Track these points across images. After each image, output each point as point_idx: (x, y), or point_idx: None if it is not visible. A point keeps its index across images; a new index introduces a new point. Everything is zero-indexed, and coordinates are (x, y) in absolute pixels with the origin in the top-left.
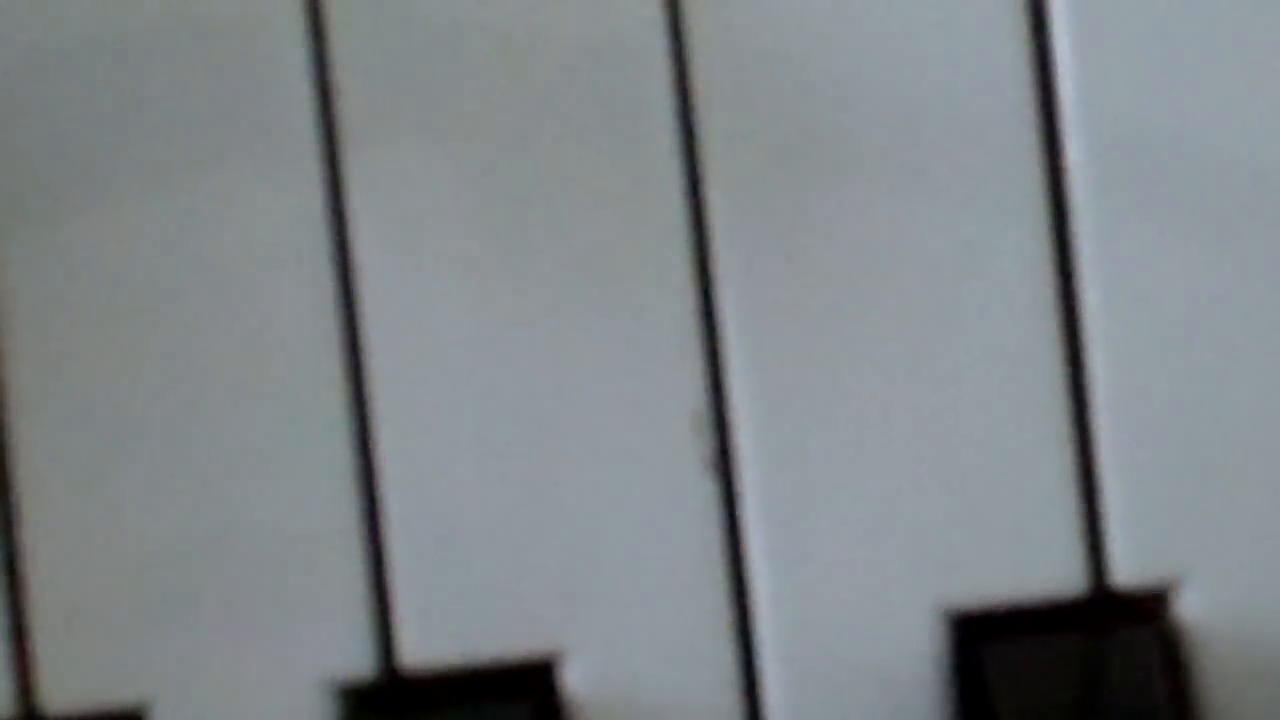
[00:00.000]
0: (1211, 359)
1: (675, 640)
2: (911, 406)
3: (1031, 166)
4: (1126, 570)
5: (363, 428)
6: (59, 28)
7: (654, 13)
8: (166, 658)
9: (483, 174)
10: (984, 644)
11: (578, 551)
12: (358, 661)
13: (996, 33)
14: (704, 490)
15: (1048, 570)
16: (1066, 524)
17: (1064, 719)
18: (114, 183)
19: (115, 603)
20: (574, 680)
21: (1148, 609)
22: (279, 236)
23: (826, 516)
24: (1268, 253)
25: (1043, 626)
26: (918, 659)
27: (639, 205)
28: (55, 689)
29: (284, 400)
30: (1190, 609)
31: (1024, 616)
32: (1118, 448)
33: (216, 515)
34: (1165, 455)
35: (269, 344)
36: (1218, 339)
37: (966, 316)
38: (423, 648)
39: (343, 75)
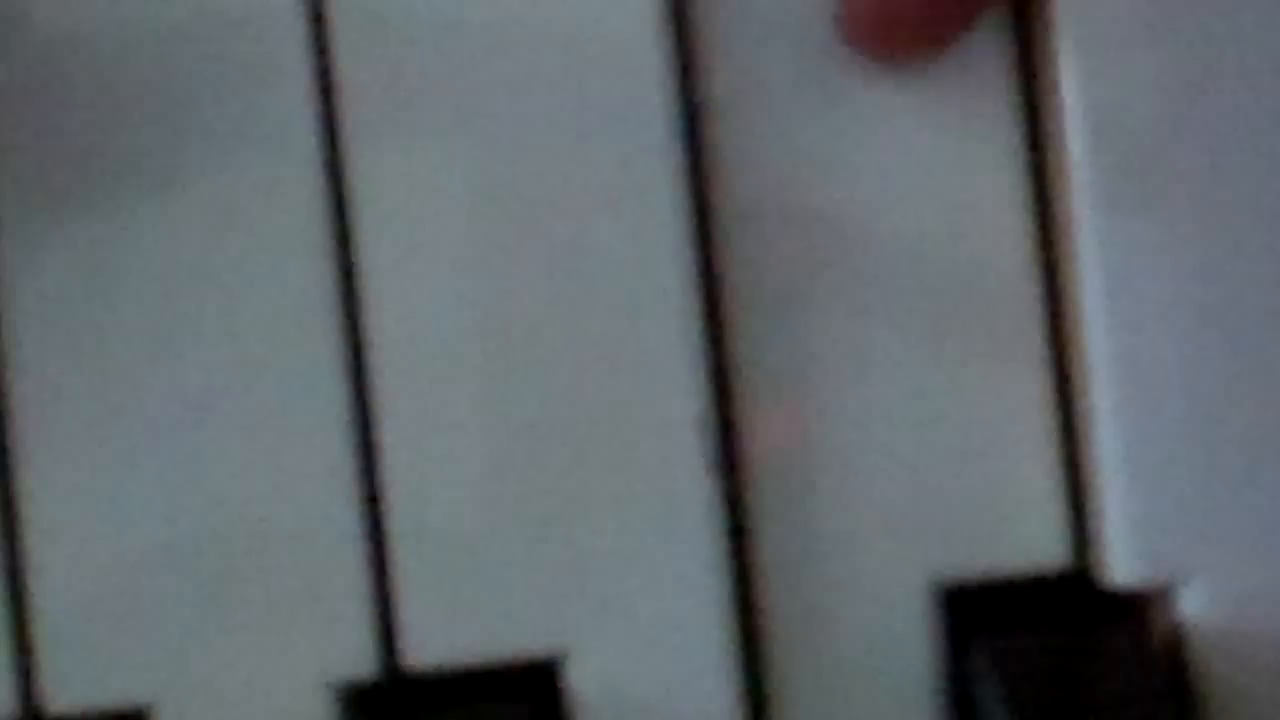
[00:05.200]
0: (1213, 358)
1: (677, 640)
2: (909, 406)
3: (1026, 166)
4: (1126, 570)
5: (364, 427)
6: (58, 27)
7: (656, 11)
8: (169, 658)
9: (485, 174)
10: (979, 643)
11: (580, 552)
12: (360, 661)
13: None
14: (705, 490)
15: (1045, 570)
16: (1064, 523)
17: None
18: (114, 183)
19: (118, 603)
20: (576, 680)
21: (1147, 608)
22: (279, 236)
23: (828, 517)
24: (1269, 252)
25: (1040, 626)
26: (920, 662)
27: (641, 204)
28: (57, 689)
29: (285, 399)
30: (1190, 609)
31: (1021, 617)
32: (1118, 447)
33: (218, 515)
34: (1166, 455)
35: (270, 344)
36: (1219, 338)
37: (963, 313)
38: (425, 648)
39: (344, 74)
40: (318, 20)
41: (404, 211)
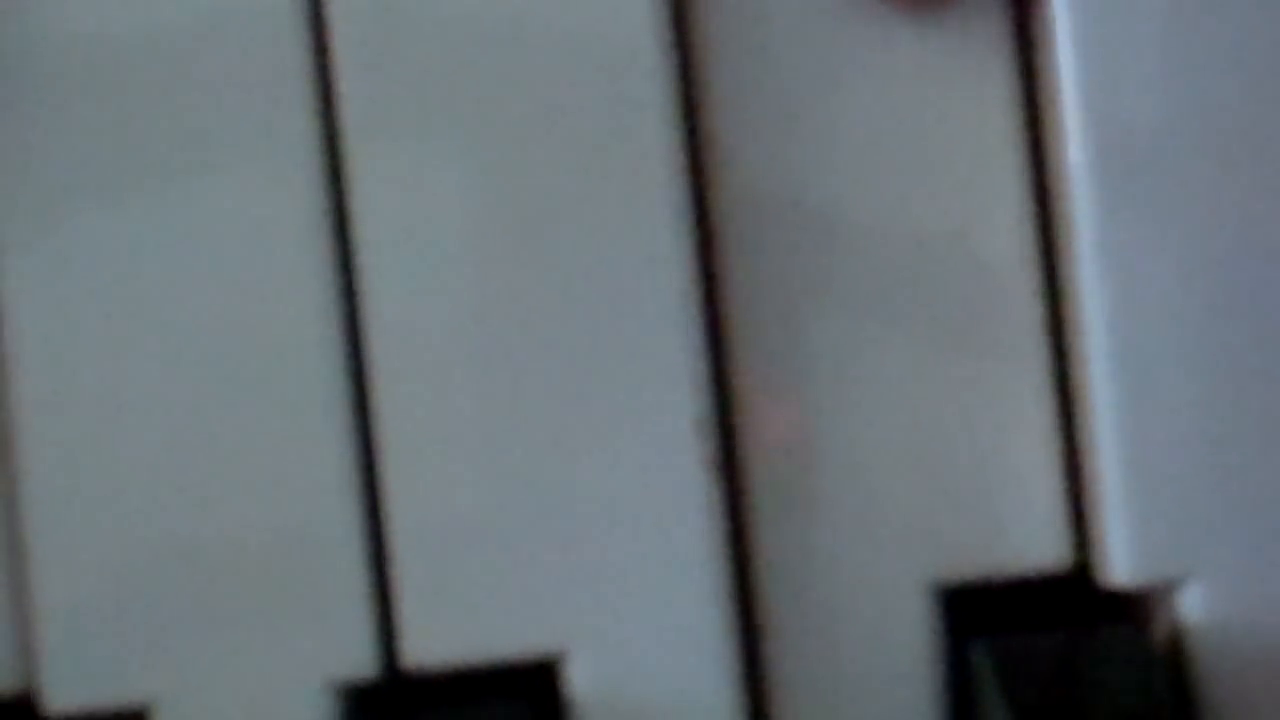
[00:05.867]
0: (1213, 358)
1: (677, 640)
2: (909, 406)
3: (1026, 166)
4: (1126, 570)
5: (365, 427)
6: (58, 27)
7: (656, 10)
8: (169, 658)
9: (486, 174)
10: (979, 643)
11: (580, 551)
12: (360, 661)
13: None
14: (706, 489)
15: (1045, 570)
16: (1064, 523)
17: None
18: (114, 183)
19: (118, 603)
20: (576, 680)
21: (1148, 608)
22: (280, 236)
23: (828, 517)
24: (1270, 251)
25: (1040, 626)
26: (920, 662)
27: (640, 204)
28: (59, 689)
29: (286, 400)
30: (1190, 609)
31: (1021, 617)
32: (1118, 447)
33: (218, 515)
34: (1166, 455)
35: (270, 344)
36: (1219, 338)
37: (963, 313)
38: (425, 647)
39: (344, 74)
40: (318, 20)
41: (404, 211)
